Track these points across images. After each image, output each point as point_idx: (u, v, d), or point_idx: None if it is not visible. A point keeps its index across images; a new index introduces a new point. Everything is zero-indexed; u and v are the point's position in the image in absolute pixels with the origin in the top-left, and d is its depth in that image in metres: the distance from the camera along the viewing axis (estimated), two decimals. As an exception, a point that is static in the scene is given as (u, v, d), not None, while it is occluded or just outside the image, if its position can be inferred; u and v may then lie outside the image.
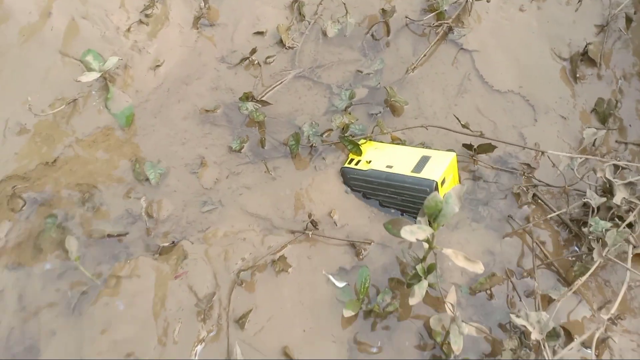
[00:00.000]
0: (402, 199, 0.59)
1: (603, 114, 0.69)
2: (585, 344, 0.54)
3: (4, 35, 0.76)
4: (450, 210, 0.38)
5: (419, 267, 0.53)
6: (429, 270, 0.53)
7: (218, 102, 0.74)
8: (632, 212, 0.57)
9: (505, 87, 0.66)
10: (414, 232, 0.40)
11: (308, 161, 0.68)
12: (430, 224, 0.43)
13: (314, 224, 0.62)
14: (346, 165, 0.62)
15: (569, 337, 0.55)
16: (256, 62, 0.76)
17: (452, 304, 0.51)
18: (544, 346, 0.49)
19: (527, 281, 0.60)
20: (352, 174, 0.59)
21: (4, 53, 0.75)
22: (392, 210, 0.63)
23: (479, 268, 0.45)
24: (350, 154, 0.65)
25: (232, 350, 0.57)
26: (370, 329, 0.58)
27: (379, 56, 0.76)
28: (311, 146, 0.68)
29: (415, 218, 0.49)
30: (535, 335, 0.48)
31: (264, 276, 0.62)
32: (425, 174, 0.57)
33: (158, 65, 0.76)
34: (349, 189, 0.62)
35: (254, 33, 0.78)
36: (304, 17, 0.79)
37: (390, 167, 0.59)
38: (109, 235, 0.65)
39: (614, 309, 0.53)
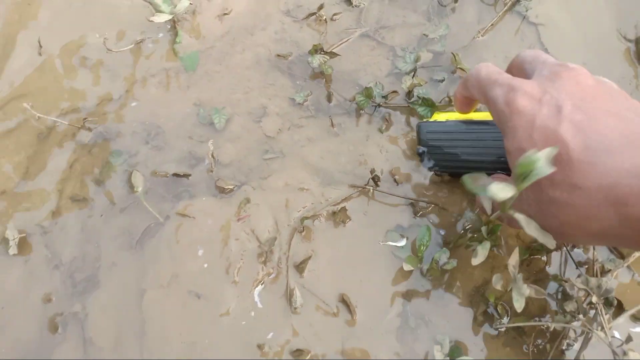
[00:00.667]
0: (483, 147, 0.56)
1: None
2: (636, 316, 0.56)
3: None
4: (541, 172, 0.39)
5: (483, 229, 0.54)
6: (493, 231, 0.54)
7: (284, 52, 0.75)
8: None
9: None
10: (500, 190, 0.41)
11: (372, 120, 0.69)
12: (515, 184, 0.43)
13: (376, 179, 0.64)
14: (423, 121, 0.62)
15: (620, 308, 0.57)
16: (323, 17, 0.76)
17: (513, 265, 0.52)
18: (601, 311, 0.51)
19: (580, 252, 0.61)
20: (429, 127, 0.58)
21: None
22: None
23: (550, 242, 0.44)
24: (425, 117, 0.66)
25: (291, 292, 0.59)
26: (424, 285, 0.60)
27: (444, 21, 0.76)
28: (377, 106, 0.69)
29: (490, 174, 0.50)
30: (594, 299, 0.50)
31: (324, 226, 0.63)
32: None
33: (225, 14, 0.76)
34: (424, 150, 0.60)
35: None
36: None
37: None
38: (173, 175, 0.67)
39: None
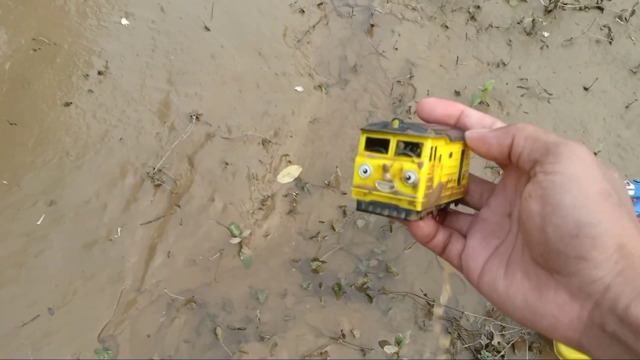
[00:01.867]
0: None
1: None
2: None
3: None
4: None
5: None
6: None
7: (298, 257, 1.38)
8: None
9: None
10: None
11: (347, 297, 1.30)
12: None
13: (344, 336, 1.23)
14: None
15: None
16: (319, 238, 1.40)
17: None
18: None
19: None
20: None
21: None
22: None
23: None
24: None
25: None
26: None
27: (384, 242, 1.39)
28: (344, 291, 1.30)
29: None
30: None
31: (314, 359, 1.21)
32: None
33: (267, 235, 1.41)
34: None
35: (319, 221, 1.44)
36: (346, 214, 1.44)
37: None
38: (238, 328, 1.27)
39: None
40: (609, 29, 1.83)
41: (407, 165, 0.33)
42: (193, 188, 1.47)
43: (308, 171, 1.52)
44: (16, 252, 1.34)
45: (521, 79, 1.72)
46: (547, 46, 1.80)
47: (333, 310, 1.28)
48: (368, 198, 0.35)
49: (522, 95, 1.68)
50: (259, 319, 1.28)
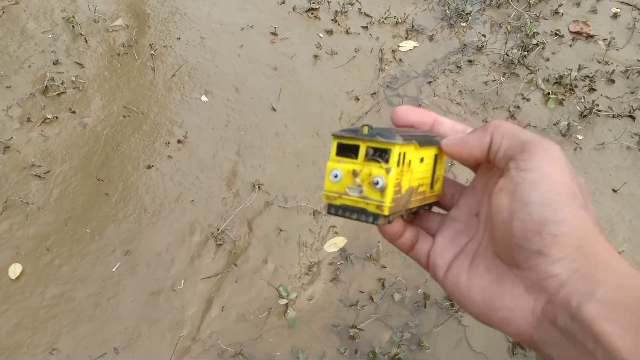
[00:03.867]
0: None
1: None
2: None
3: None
4: None
5: None
6: None
7: (338, 323, 1.52)
8: None
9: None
10: None
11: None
12: None
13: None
14: None
15: None
16: (358, 306, 1.54)
17: None
18: None
19: None
20: None
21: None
22: None
23: None
24: None
25: None
26: None
27: (418, 316, 1.52)
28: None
29: None
30: None
31: None
32: None
33: (311, 299, 1.56)
34: None
35: (359, 291, 1.58)
36: (384, 286, 1.58)
37: None
38: (279, 382, 1.40)
39: None
40: (640, 137, 1.98)
41: (376, 170, 0.34)
42: (250, 250, 1.65)
43: (352, 242, 1.69)
44: (93, 294, 1.54)
45: (554, 176, 1.86)
46: (581, 148, 1.95)
47: (367, 375, 1.40)
48: (338, 202, 0.36)
49: (554, 192, 1.82)
50: (299, 377, 1.41)
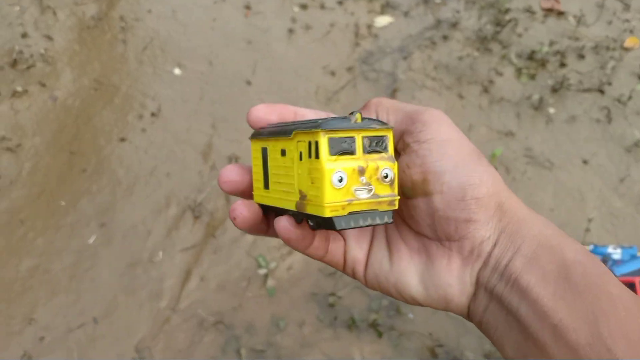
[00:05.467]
0: None
1: None
2: None
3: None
4: None
5: None
6: None
7: (317, 291, 1.53)
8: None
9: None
10: None
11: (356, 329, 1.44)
12: None
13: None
14: None
15: None
16: (337, 275, 1.56)
17: None
18: None
19: None
20: None
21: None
22: None
23: None
24: None
25: None
26: None
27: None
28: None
29: None
30: None
31: None
32: None
33: (290, 269, 1.57)
34: None
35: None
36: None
37: None
38: (259, 349, 1.41)
39: None
40: (609, 110, 2.04)
41: (382, 162, 0.30)
42: (228, 222, 1.65)
43: (330, 215, 1.70)
44: (69, 266, 1.51)
45: (527, 148, 1.91)
46: (552, 121, 2.00)
47: (346, 342, 1.42)
48: (346, 211, 0.29)
49: (527, 163, 1.87)
50: (278, 344, 1.42)
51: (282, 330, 1.45)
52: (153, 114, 1.88)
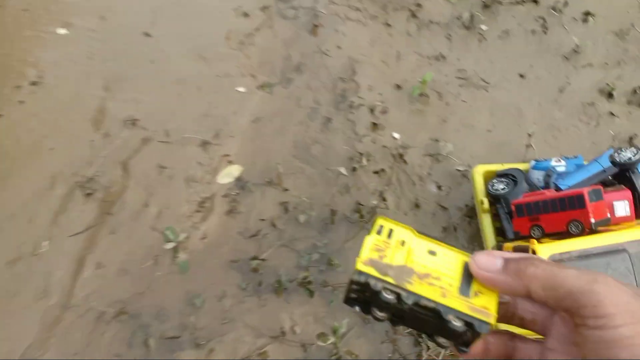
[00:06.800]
0: None
1: None
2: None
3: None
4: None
5: None
6: None
7: (237, 257, 1.32)
8: None
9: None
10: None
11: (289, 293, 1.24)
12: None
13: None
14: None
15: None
16: (260, 235, 1.35)
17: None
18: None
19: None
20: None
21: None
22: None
23: None
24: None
25: None
26: None
27: (327, 235, 1.35)
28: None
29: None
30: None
31: None
32: None
33: (204, 238, 1.35)
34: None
35: (260, 219, 1.38)
36: (288, 210, 1.39)
37: None
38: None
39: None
40: (544, 20, 1.86)
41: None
42: (126, 194, 1.40)
43: (250, 170, 1.48)
44: None
45: (460, 70, 1.72)
46: (485, 39, 1.82)
47: (273, 309, 1.22)
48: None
49: (460, 86, 1.68)
50: (194, 325, 1.20)
51: (198, 308, 1.23)
52: (34, 83, 1.59)
